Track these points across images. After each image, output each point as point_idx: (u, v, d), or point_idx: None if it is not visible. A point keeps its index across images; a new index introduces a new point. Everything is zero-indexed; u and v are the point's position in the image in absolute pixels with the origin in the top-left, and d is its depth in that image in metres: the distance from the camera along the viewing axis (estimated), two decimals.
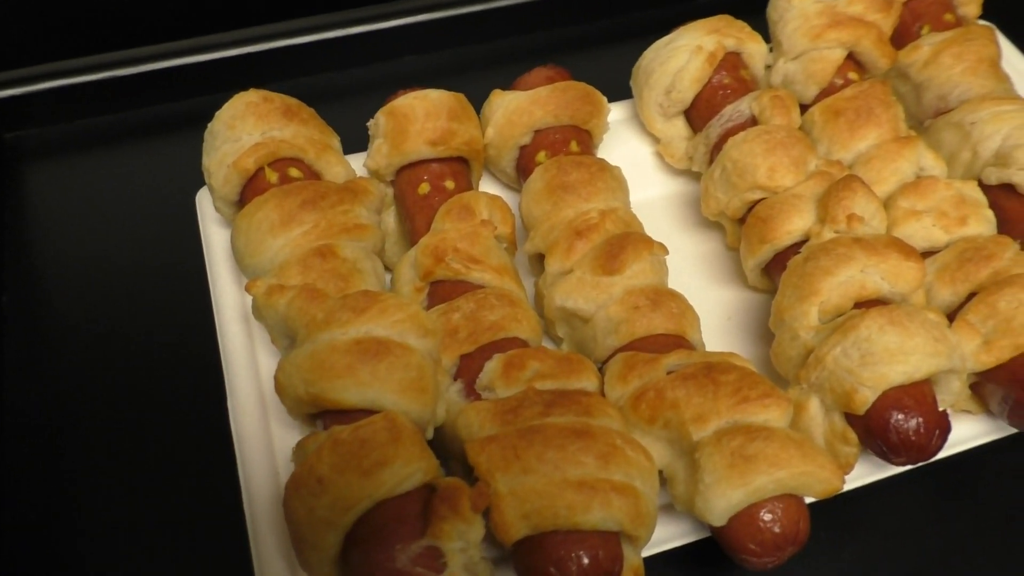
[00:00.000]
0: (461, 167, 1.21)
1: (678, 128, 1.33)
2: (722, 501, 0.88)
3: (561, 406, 0.91)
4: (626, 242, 1.07)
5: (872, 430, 0.97)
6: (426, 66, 1.57)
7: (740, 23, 1.32)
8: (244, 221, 1.08)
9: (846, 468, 1.00)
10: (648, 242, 1.09)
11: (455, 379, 1.04)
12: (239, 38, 1.42)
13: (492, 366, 1.00)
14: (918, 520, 1.12)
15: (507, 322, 1.05)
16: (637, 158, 1.38)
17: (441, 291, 1.10)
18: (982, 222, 1.14)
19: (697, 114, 1.31)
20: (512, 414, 0.91)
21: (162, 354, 1.15)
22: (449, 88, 1.22)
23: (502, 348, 1.04)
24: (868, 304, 1.05)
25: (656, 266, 1.09)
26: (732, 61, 1.30)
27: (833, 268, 1.05)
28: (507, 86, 1.28)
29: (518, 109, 1.20)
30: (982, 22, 1.52)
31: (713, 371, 0.96)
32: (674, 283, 1.24)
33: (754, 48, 1.31)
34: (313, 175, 1.15)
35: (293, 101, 1.17)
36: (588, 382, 1.01)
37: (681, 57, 1.28)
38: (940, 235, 1.13)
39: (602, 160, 1.18)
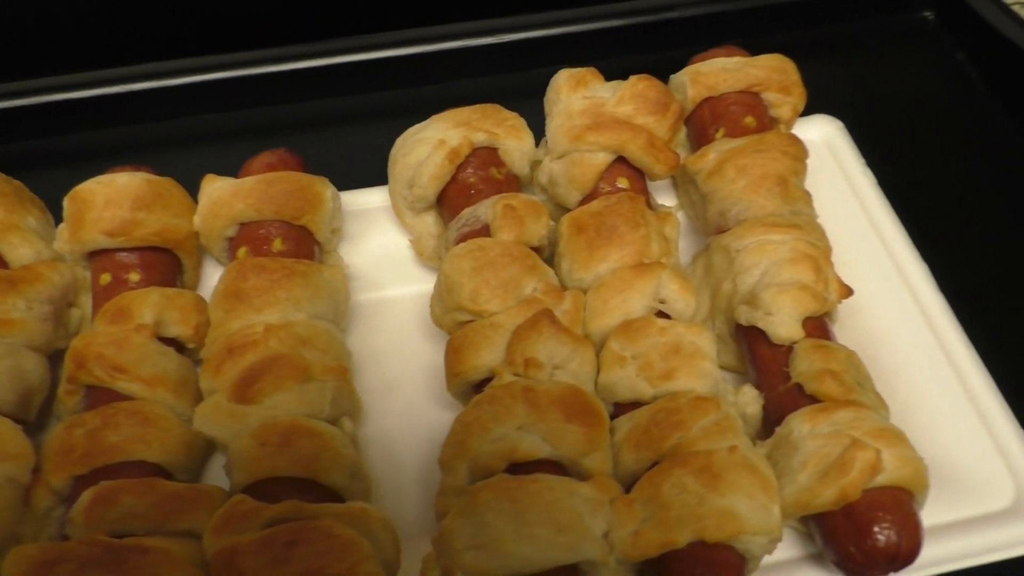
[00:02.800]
0: (158, 257, 1.12)
1: (427, 224, 1.22)
2: None
3: (103, 567, 0.82)
4: (267, 368, 0.97)
5: None
6: (281, 117, 1.47)
7: (505, 115, 1.20)
8: None
9: None
10: (297, 370, 0.98)
11: (65, 502, 0.95)
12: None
13: (81, 499, 0.91)
14: None
15: (130, 444, 0.96)
16: (396, 249, 1.26)
17: (95, 396, 1.02)
18: (694, 377, 0.99)
19: (446, 211, 1.19)
20: (46, 569, 0.82)
21: None
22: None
23: (120, 473, 0.95)
24: (527, 467, 0.92)
25: (311, 395, 0.98)
26: (485, 157, 1.18)
27: (489, 423, 0.93)
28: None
29: (219, 200, 1.11)
30: (828, 119, 1.36)
31: (298, 540, 0.84)
32: (398, 394, 1.14)
33: (512, 145, 1.18)
34: None
35: None
36: (198, 524, 0.91)
37: (422, 150, 1.16)
38: (645, 388, 0.99)
39: (296, 264, 1.08)
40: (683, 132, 1.28)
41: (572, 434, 0.91)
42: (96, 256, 1.11)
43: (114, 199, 1.07)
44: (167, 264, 1.13)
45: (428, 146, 1.15)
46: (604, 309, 1.05)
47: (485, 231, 1.12)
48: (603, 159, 1.15)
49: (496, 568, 0.82)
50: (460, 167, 1.16)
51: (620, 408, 1.02)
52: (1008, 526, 0.98)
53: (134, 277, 1.09)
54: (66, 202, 1.09)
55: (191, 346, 1.09)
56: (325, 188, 1.14)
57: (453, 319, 1.08)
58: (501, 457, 0.91)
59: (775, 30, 1.58)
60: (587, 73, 1.19)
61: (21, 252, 1.10)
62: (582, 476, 0.95)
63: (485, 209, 1.13)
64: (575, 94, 1.17)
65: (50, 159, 1.36)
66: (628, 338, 1.01)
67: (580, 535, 0.85)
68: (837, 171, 1.32)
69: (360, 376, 1.17)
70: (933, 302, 1.17)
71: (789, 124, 1.25)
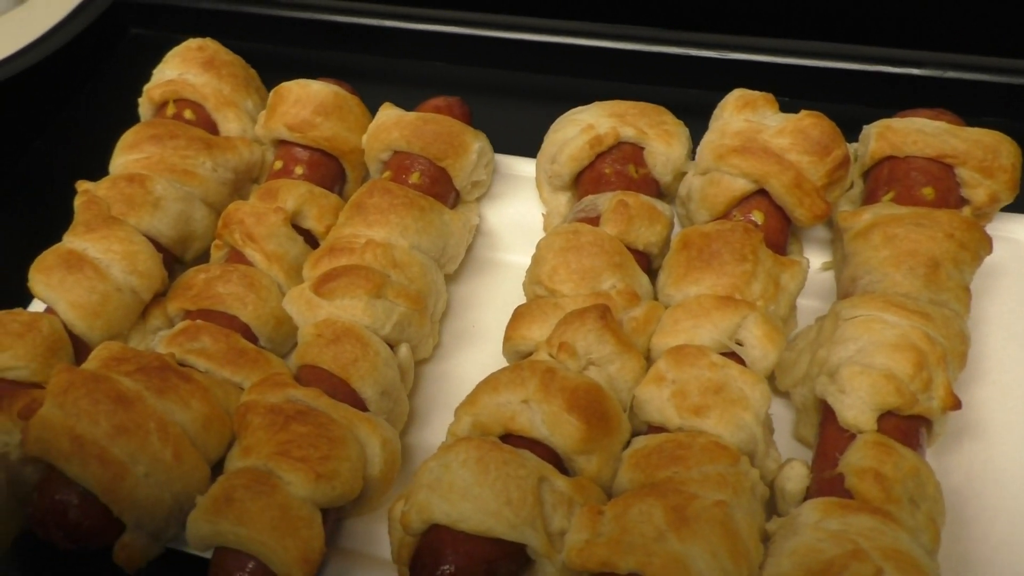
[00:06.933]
0: (324, 160, 1.26)
1: (560, 203, 1.24)
2: (194, 528, 0.88)
3: (150, 375, 0.97)
4: (346, 273, 1.06)
5: (415, 562, 0.88)
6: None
7: (664, 118, 1.18)
8: (122, 136, 1.28)
9: None
10: (373, 284, 1.05)
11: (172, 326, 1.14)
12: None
13: (176, 326, 1.08)
14: None
15: (231, 300, 1.11)
16: (531, 220, 1.29)
17: (233, 255, 1.20)
18: (726, 424, 0.91)
19: (578, 195, 1.21)
20: (116, 363, 0.99)
21: None
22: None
23: (217, 320, 1.11)
24: (524, 441, 0.92)
25: (377, 310, 1.06)
26: (628, 153, 1.17)
27: (500, 386, 0.94)
28: None
29: (382, 126, 1.22)
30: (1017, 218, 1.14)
31: (296, 419, 0.93)
32: (480, 347, 1.18)
33: (659, 148, 1.16)
34: (209, 123, 1.31)
35: (227, 58, 1.33)
36: (247, 380, 1.05)
37: (570, 130, 1.18)
38: (672, 415, 0.93)
39: (419, 198, 1.16)
40: (860, 188, 1.16)
41: (568, 425, 0.90)
42: (280, 144, 1.29)
43: (301, 99, 1.24)
44: (331, 169, 1.27)
45: (577, 128, 1.18)
46: (672, 329, 1.01)
47: (598, 221, 1.12)
48: (742, 186, 1.09)
49: (437, 514, 0.85)
50: (600, 156, 1.17)
51: (651, 430, 0.98)
52: None
53: (299, 170, 1.25)
54: (271, 94, 1.28)
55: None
56: (474, 140, 1.21)
57: (533, 291, 1.10)
58: (499, 421, 0.93)
59: None
60: (760, 97, 1.13)
61: (231, 126, 1.31)
62: (574, 474, 0.93)
63: (605, 200, 1.13)
64: (739, 114, 1.12)
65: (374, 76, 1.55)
66: (676, 361, 0.96)
67: (526, 518, 0.84)
68: None
69: (452, 319, 1.24)
70: None
71: (983, 211, 1.08)
